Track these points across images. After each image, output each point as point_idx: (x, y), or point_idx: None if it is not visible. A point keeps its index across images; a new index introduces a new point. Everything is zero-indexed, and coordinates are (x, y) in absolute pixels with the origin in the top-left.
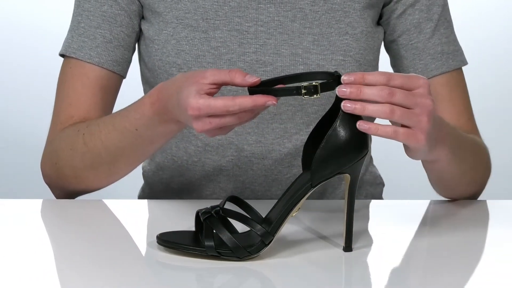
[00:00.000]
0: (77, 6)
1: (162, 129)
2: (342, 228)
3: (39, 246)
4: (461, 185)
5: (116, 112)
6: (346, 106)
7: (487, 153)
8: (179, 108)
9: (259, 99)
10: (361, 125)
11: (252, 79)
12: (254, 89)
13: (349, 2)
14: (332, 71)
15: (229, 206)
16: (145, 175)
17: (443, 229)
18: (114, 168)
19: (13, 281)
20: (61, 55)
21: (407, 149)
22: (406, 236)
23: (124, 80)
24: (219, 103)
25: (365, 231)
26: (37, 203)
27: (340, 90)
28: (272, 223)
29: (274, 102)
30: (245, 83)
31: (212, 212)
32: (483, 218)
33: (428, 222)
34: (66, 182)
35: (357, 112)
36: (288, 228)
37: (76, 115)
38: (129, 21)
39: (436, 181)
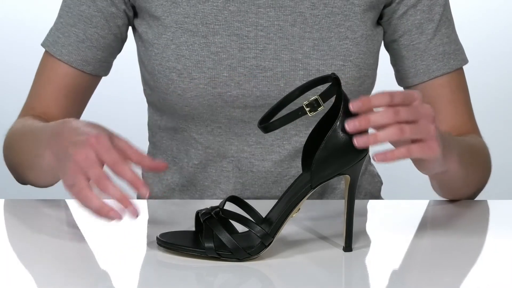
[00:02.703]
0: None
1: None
2: (342, 229)
3: (38, 246)
4: (463, 187)
5: (33, 143)
6: (359, 142)
7: (487, 153)
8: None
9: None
10: (378, 157)
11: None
12: (262, 126)
13: (349, 5)
14: (327, 74)
15: (229, 206)
16: (144, 175)
17: (442, 229)
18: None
19: (13, 282)
20: None
21: (419, 164)
22: (405, 236)
23: (123, 80)
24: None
25: (365, 231)
26: (37, 203)
27: (350, 125)
28: (272, 224)
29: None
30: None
31: (212, 213)
32: (483, 218)
33: (428, 222)
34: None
35: (371, 144)
36: (288, 228)
37: (37, 107)
38: (105, 23)
39: (440, 187)
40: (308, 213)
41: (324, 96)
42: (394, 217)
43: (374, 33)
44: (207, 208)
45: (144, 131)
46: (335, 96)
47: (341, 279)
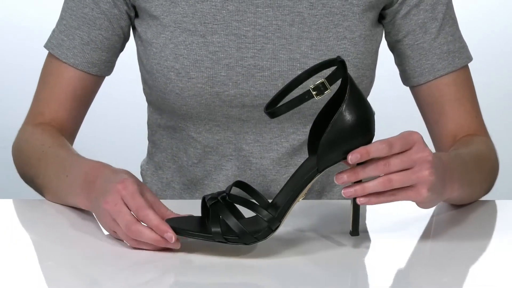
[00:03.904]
0: (65, 1)
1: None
2: (349, 213)
3: (36, 245)
4: (468, 200)
5: (60, 175)
6: (346, 194)
7: (494, 156)
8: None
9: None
10: (361, 201)
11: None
12: (269, 111)
13: (348, 5)
14: (332, 58)
15: (235, 191)
16: (143, 173)
17: (444, 229)
18: (44, 196)
19: (14, 281)
20: None
21: (417, 203)
22: (406, 236)
23: (123, 79)
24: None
25: (365, 231)
26: (36, 203)
27: (338, 179)
28: (279, 209)
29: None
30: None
31: (219, 198)
32: (486, 218)
33: (429, 222)
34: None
35: (358, 194)
36: (288, 228)
37: (46, 113)
38: (109, 24)
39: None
40: (308, 213)
41: (330, 79)
42: (395, 217)
43: (372, 33)
44: (213, 193)
45: (143, 129)
46: (341, 79)
47: (341, 279)
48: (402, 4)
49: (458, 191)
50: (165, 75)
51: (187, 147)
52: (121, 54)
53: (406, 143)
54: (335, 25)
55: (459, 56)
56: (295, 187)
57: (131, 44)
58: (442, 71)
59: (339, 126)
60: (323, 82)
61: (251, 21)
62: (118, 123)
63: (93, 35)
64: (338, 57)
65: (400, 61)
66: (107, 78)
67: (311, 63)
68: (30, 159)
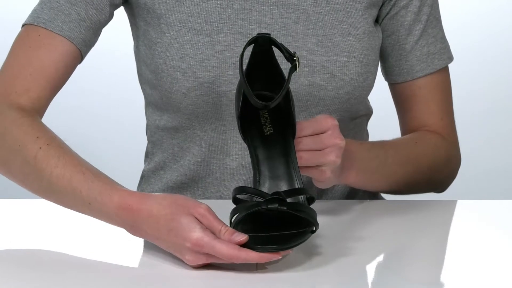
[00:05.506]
0: None
1: (114, 224)
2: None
3: (36, 246)
4: (410, 191)
5: (81, 169)
6: None
7: (441, 158)
8: (172, 236)
9: (265, 257)
10: None
11: (239, 238)
12: (267, 104)
13: (351, 2)
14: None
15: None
16: (145, 175)
17: (442, 229)
18: (41, 194)
19: (14, 281)
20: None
21: (314, 180)
22: (405, 236)
23: (123, 78)
24: (224, 250)
25: (365, 231)
26: (35, 203)
27: None
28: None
29: (279, 257)
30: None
31: (279, 206)
32: (483, 219)
33: (427, 222)
34: None
35: None
36: None
37: (32, 90)
38: (104, 7)
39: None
40: None
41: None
42: (394, 217)
43: (374, 30)
44: (259, 201)
45: (143, 129)
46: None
47: (340, 278)
48: (393, 6)
49: (357, 178)
50: (171, 74)
51: (191, 145)
52: (121, 54)
53: (318, 128)
54: (339, 21)
55: (439, 57)
56: (286, 165)
57: (130, 44)
58: (420, 73)
59: (291, 96)
60: (298, 57)
61: (257, 19)
62: (118, 123)
63: (90, 13)
64: (261, 33)
65: (381, 57)
66: (108, 77)
67: (318, 59)
68: (21, 154)
